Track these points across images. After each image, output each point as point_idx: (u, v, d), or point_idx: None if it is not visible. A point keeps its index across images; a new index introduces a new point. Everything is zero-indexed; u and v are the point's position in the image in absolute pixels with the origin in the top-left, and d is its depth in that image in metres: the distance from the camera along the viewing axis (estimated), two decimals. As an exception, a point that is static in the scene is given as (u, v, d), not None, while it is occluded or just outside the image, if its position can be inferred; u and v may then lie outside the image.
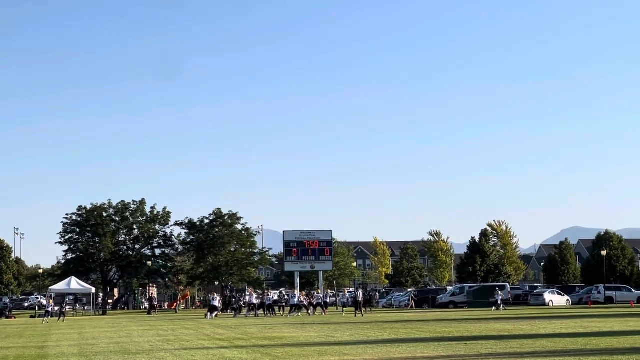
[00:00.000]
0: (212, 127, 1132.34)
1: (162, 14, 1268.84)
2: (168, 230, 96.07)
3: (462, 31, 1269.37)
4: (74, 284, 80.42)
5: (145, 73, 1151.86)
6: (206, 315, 60.05)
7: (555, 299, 77.05)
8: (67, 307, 70.87)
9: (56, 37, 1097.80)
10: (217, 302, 63.34)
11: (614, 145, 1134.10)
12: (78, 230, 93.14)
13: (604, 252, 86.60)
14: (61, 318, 63.13)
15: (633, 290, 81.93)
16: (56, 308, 67.61)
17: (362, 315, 55.67)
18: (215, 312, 61.61)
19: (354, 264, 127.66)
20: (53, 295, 78.70)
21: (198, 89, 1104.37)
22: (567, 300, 78.18)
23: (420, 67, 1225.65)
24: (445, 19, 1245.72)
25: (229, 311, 71.52)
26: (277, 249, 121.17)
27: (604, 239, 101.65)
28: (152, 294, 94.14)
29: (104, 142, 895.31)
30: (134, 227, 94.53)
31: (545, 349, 23.78)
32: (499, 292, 68.19)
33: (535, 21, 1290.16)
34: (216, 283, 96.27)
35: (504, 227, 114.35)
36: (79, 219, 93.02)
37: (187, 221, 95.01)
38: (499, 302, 65.63)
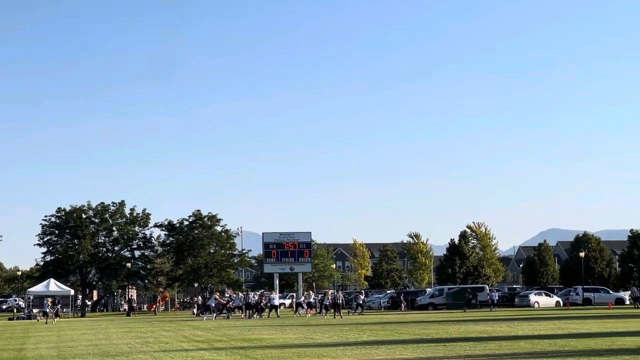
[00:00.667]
0: (195, 130, 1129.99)
1: (157, 15, 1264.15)
2: (147, 232, 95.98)
3: (459, 29, 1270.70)
4: (53, 286, 79.89)
5: (138, 75, 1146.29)
6: (207, 316, 59.24)
7: (542, 300, 76.42)
8: (58, 308, 70.47)
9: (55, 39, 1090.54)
10: (213, 302, 60.56)
11: (595, 147, 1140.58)
12: (57, 232, 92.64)
13: (582, 254, 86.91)
14: (55, 319, 63.57)
15: (611, 292, 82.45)
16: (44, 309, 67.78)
17: (341, 317, 55.73)
18: (208, 315, 59.92)
19: (333, 266, 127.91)
20: (32, 298, 78.42)
21: (186, 90, 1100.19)
22: (558, 301, 77.12)
23: (413, 67, 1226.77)
24: (440, 18, 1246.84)
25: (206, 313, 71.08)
26: (257, 250, 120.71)
27: (583, 240, 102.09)
28: (131, 295, 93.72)
29: (86, 146, 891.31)
30: (114, 228, 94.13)
31: (523, 350, 23.92)
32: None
33: (535, 19, 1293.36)
34: (195, 285, 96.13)
35: (483, 229, 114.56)
36: (58, 221, 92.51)
37: (166, 223, 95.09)
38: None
